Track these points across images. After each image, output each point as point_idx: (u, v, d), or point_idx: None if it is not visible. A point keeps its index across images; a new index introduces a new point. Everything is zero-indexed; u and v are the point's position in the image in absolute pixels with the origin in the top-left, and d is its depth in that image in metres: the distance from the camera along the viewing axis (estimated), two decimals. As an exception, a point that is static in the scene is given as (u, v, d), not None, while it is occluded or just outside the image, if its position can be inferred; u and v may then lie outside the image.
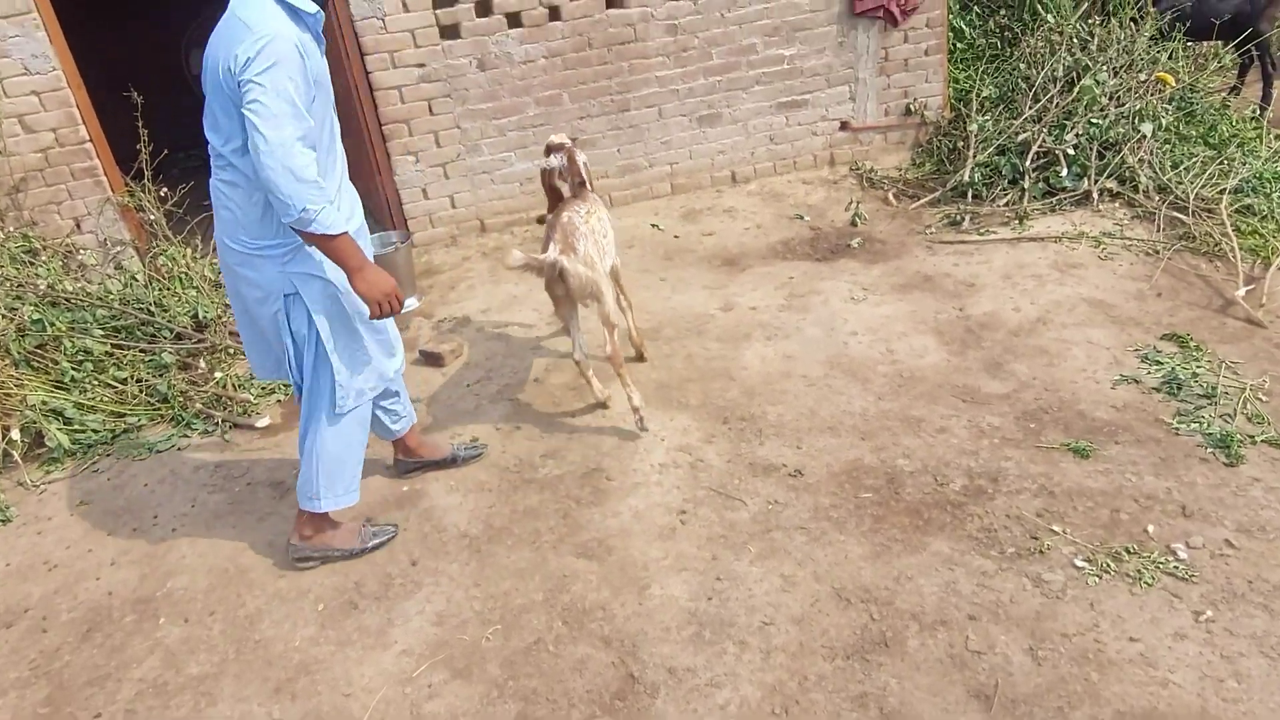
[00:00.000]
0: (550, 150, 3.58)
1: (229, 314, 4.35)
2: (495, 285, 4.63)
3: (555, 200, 3.56)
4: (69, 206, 4.62)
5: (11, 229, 4.42)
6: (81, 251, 4.61)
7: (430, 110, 4.95)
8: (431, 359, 3.94)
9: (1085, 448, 2.95)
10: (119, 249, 4.73)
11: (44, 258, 4.41)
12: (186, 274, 4.52)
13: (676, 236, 5.00)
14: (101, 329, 4.00)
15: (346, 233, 2.37)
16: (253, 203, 2.41)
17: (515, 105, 5.07)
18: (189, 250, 4.63)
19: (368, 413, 2.79)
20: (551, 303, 3.35)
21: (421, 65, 4.84)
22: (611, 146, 5.32)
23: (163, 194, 4.68)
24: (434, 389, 3.77)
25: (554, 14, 4.94)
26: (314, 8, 2.36)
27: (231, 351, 4.13)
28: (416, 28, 4.76)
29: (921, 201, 5.05)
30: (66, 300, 4.06)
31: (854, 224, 4.92)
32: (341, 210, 2.46)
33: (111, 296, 4.17)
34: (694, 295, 4.29)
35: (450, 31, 4.84)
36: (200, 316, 4.15)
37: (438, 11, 4.76)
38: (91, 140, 4.55)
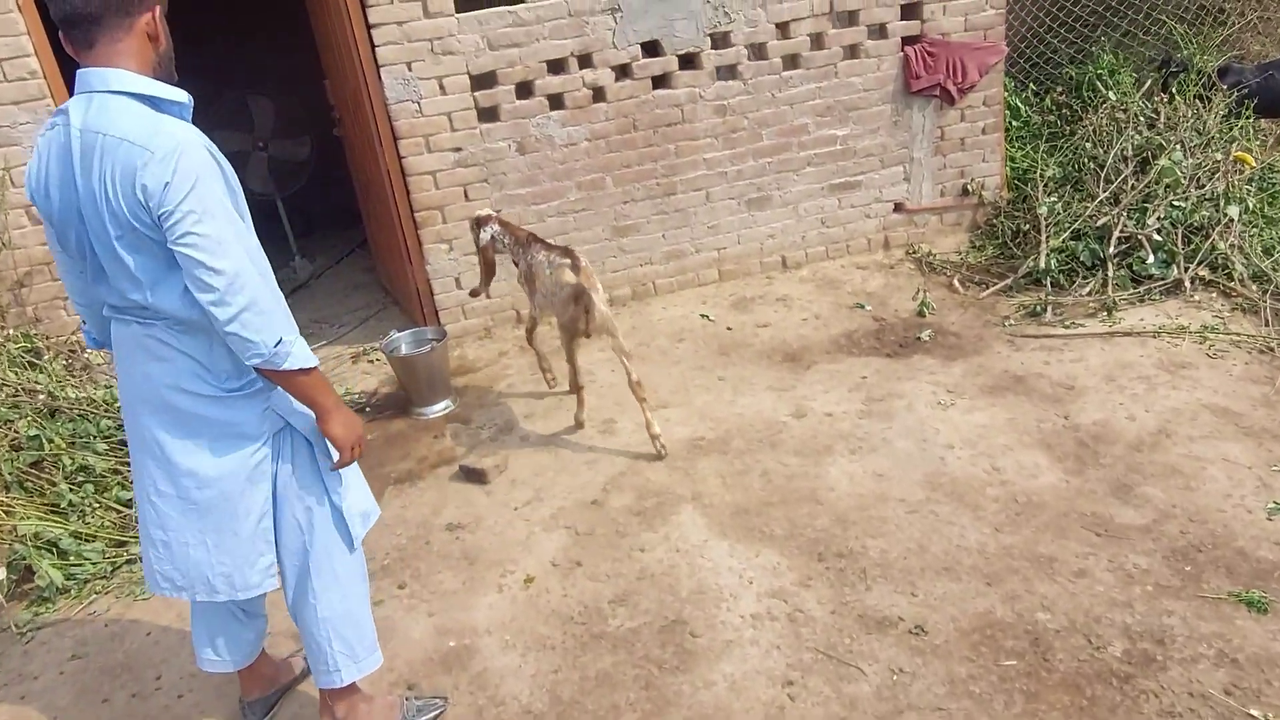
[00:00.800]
0: (480, 224, 3.77)
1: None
2: (537, 384, 4.18)
3: (492, 271, 3.84)
4: (76, 302, 4.21)
5: (12, 329, 4.00)
6: (86, 351, 4.19)
7: (466, 196, 4.58)
8: (474, 476, 3.47)
9: (1260, 600, 2.46)
10: (129, 346, 4.30)
11: (46, 358, 3.99)
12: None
13: (729, 328, 4.58)
14: (105, 441, 3.55)
15: (318, 366, 1.94)
16: (217, 342, 1.92)
17: (556, 190, 4.70)
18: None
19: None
20: (565, 335, 3.50)
21: (458, 149, 4.48)
22: (656, 231, 4.94)
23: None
24: (479, 512, 3.30)
25: (598, 95, 4.61)
26: (184, 95, 1.86)
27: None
28: (453, 110, 4.41)
29: (992, 289, 4.64)
30: (68, 409, 3.62)
31: (921, 314, 4.50)
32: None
33: (117, 404, 3.72)
34: (760, 398, 3.85)
35: (489, 114, 4.50)
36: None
37: (476, 94, 4.42)
38: (103, 231, 4.16)
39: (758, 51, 4.78)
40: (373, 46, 4.22)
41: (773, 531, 2.98)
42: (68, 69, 4.10)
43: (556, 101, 4.56)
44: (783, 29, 4.77)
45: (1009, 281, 4.65)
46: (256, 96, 6.11)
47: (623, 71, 4.62)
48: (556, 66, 4.51)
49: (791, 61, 4.85)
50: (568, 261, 3.43)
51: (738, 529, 3.01)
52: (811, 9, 4.77)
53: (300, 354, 1.87)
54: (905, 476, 3.19)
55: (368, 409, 4.18)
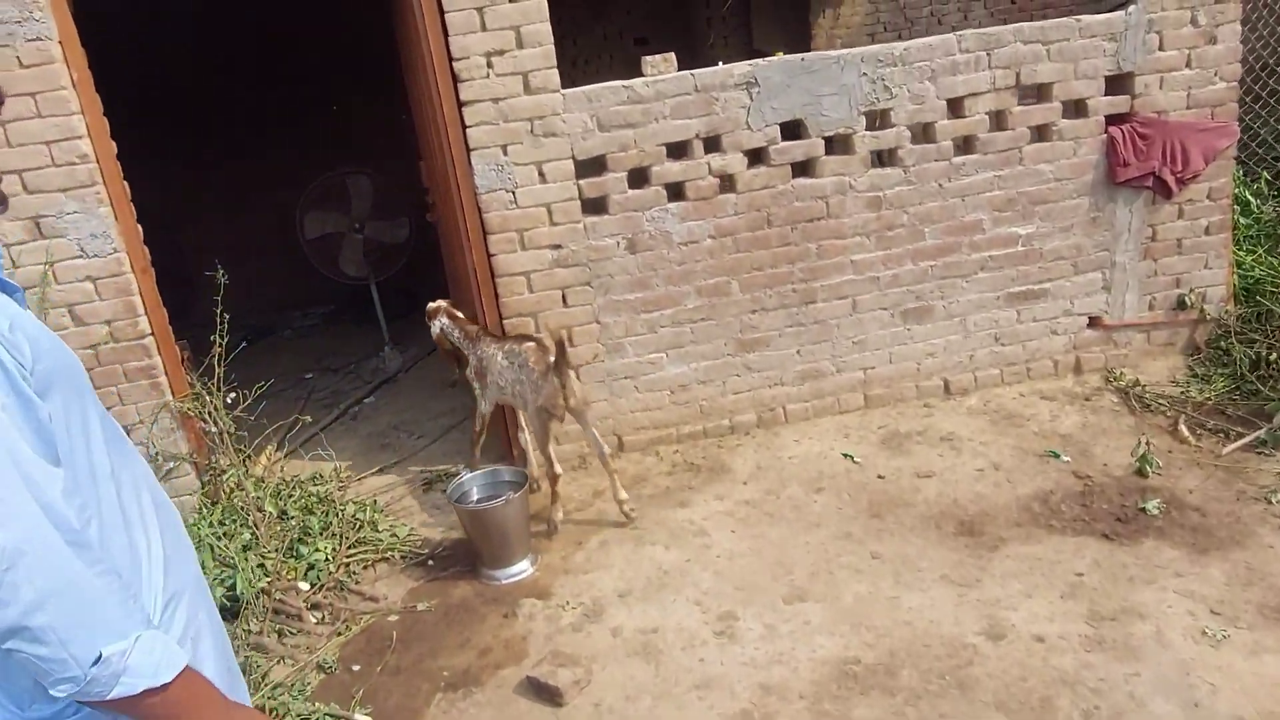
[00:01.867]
0: (431, 315, 3.73)
1: (284, 578, 3.12)
2: (637, 546, 3.23)
3: (457, 358, 3.74)
4: (118, 413, 3.55)
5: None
6: (122, 472, 3.52)
7: (564, 301, 3.74)
8: (545, 693, 2.52)
9: None
10: (172, 465, 3.62)
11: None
12: (243, 509, 3.36)
13: (881, 476, 3.52)
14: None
15: (187, 667, 1.13)
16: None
17: (671, 295, 3.81)
18: (255, 478, 3.50)
19: None
20: (541, 420, 3.26)
21: (557, 247, 3.66)
22: (790, 347, 3.96)
23: (230, 399, 3.59)
24: (545, 757, 2.35)
25: (726, 184, 3.72)
26: None
27: (290, 632, 2.86)
28: (553, 201, 3.61)
29: (1238, 444, 3.42)
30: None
31: (1141, 473, 3.33)
32: (177, 618, 1.24)
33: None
34: (934, 597, 2.76)
35: (595, 206, 3.67)
36: (238, 591, 2.91)
37: (581, 182, 3.60)
38: (154, 333, 3.52)
39: (923, 133, 3.80)
40: (463, 127, 3.48)
41: None
42: (129, 153, 3.55)
43: (676, 191, 3.70)
44: (955, 106, 3.78)
45: (1261, 433, 3.41)
46: (356, 175, 5.54)
47: (757, 157, 3.72)
48: (677, 150, 3.66)
49: (965, 145, 3.84)
50: (532, 343, 3.31)
51: None
52: (993, 82, 3.76)
53: (142, 665, 1.08)
54: (1180, 776, 2.05)
55: (430, 561, 3.33)
